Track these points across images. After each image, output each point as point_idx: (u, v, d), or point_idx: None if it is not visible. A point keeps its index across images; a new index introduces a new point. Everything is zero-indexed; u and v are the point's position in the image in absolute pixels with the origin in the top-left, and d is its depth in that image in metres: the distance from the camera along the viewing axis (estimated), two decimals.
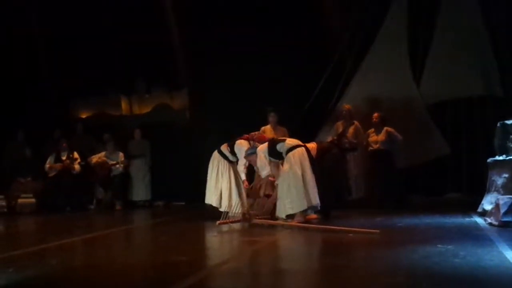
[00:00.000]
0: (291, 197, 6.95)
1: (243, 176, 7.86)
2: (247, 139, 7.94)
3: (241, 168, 7.82)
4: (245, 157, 7.61)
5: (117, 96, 12.75)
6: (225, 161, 8.06)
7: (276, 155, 7.28)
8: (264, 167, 7.25)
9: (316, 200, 7.01)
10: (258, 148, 7.40)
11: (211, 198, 8.06)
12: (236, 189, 7.97)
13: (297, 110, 10.32)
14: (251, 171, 7.99)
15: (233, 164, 8.06)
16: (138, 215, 10.31)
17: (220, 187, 8.01)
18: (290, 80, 10.51)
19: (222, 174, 8.03)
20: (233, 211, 7.41)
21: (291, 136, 8.15)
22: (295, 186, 6.95)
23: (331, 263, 4.51)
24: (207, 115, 11.36)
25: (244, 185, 7.90)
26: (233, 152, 7.96)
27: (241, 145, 7.88)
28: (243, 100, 10.60)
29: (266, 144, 7.42)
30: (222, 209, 7.73)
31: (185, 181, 10.83)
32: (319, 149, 7.60)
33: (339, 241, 5.64)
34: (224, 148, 8.09)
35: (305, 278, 4.00)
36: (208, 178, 8.13)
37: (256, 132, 8.01)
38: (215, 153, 8.17)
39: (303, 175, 6.98)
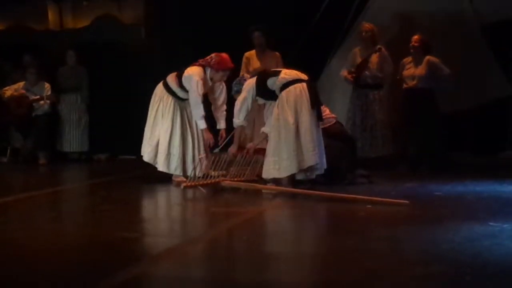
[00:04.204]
0: (279, 155, 6.98)
1: (201, 125, 7.77)
2: (202, 66, 7.83)
3: (199, 112, 7.69)
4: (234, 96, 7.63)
5: (42, 3, 12.57)
6: (170, 98, 7.99)
7: (267, 94, 7.28)
8: (238, 113, 7.32)
9: (314, 160, 7.01)
10: (245, 85, 7.40)
11: (144, 149, 8.06)
12: (180, 139, 7.87)
13: (297, 31, 10.22)
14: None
15: (183, 102, 7.97)
16: (70, 172, 10.36)
17: (158, 134, 7.98)
18: None
19: (162, 116, 7.98)
20: (190, 171, 7.49)
21: (287, 66, 8.07)
22: (285, 139, 6.98)
23: (340, 245, 4.52)
24: (170, 32, 11.26)
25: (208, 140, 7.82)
26: (182, 86, 7.87)
27: (191, 73, 7.74)
28: (222, 13, 10.51)
29: (254, 79, 7.41)
30: (159, 167, 7.87)
31: (137, 127, 10.77)
32: None
33: (352, 215, 5.67)
34: (172, 79, 8.00)
35: (301, 266, 4.01)
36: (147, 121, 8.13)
37: (213, 55, 7.84)
38: (159, 86, 8.12)
39: (297, 124, 6.99)
